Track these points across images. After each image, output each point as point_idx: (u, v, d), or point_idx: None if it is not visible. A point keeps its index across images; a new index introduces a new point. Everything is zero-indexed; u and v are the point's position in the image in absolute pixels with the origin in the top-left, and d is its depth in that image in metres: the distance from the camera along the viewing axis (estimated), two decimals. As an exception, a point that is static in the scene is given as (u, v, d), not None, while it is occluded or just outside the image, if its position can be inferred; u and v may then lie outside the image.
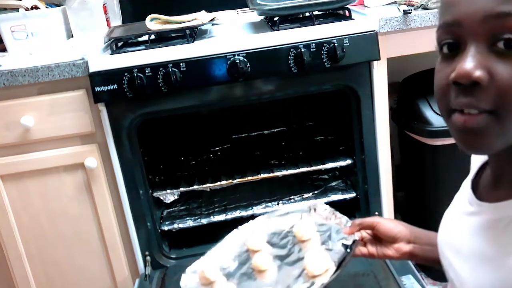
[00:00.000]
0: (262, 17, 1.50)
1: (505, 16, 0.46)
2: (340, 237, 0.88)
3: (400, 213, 1.80)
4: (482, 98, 0.49)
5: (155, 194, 1.46)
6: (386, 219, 0.89)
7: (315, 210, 1.01)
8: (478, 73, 0.48)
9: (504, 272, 0.52)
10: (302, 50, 1.21)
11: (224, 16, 1.56)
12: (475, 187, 0.63)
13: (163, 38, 1.34)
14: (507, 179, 0.57)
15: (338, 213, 0.96)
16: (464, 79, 0.49)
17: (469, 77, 0.48)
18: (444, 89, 0.52)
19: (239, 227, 1.04)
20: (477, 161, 0.67)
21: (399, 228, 0.84)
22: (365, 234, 0.88)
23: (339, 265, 0.82)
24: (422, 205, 1.69)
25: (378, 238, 0.86)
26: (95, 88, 1.21)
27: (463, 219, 0.62)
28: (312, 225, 0.96)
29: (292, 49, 1.22)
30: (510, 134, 0.50)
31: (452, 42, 0.52)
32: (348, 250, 0.84)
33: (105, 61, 1.22)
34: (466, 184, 0.65)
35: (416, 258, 0.84)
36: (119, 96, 1.21)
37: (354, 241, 0.85)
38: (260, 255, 0.93)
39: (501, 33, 0.47)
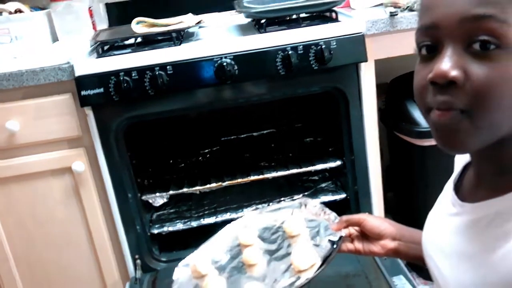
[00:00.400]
0: (249, 20, 1.50)
1: (480, 18, 0.48)
2: (327, 233, 0.91)
3: (390, 214, 1.81)
4: (458, 97, 0.50)
5: (144, 198, 1.45)
6: (373, 216, 0.91)
7: (305, 206, 1.03)
8: (454, 73, 0.49)
9: (484, 269, 0.54)
10: (290, 52, 1.21)
11: (211, 19, 1.56)
12: (458, 188, 0.65)
13: (149, 41, 1.33)
14: (487, 179, 0.58)
15: (327, 210, 0.98)
16: (441, 79, 0.50)
17: (446, 77, 0.50)
18: (423, 89, 0.54)
19: (232, 222, 1.06)
20: (460, 162, 0.68)
21: (385, 225, 0.86)
22: (352, 230, 0.90)
23: (324, 261, 0.85)
24: (412, 205, 1.69)
25: (365, 235, 0.88)
26: (81, 92, 1.20)
27: (446, 220, 0.63)
28: (301, 221, 0.98)
29: (279, 52, 1.22)
30: (484, 133, 0.51)
31: (430, 44, 0.53)
32: (334, 246, 0.86)
33: (91, 65, 1.21)
34: (449, 185, 0.67)
35: (400, 255, 0.86)
36: (106, 99, 1.20)
37: (340, 238, 0.87)
38: (250, 250, 0.95)
39: (477, 34, 0.48)
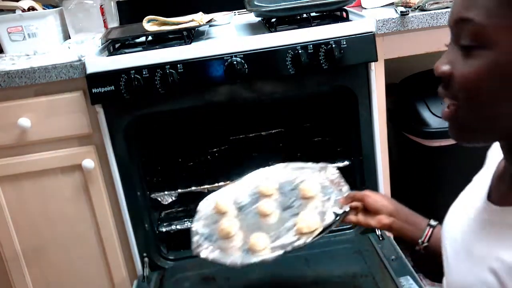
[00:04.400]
0: (259, 19, 1.50)
1: (463, 21, 0.53)
2: (335, 205, 1.00)
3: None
4: (448, 89, 0.56)
5: (152, 196, 1.46)
6: (375, 193, 1.00)
7: (325, 171, 1.12)
8: (443, 67, 0.56)
9: (483, 274, 0.55)
10: (300, 51, 1.21)
11: (222, 18, 1.56)
12: (491, 187, 0.64)
13: (160, 40, 1.34)
14: None
15: (343, 181, 1.07)
16: (435, 72, 0.57)
17: (437, 71, 0.57)
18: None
19: (260, 169, 1.16)
20: (494, 158, 0.68)
21: (384, 202, 0.95)
22: (358, 204, 0.99)
23: (324, 229, 0.95)
24: (420, 206, 1.68)
25: (366, 209, 0.97)
26: (92, 89, 1.20)
27: (468, 214, 0.65)
28: (317, 186, 1.07)
29: (289, 51, 1.22)
30: (479, 125, 0.55)
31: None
32: (337, 218, 0.97)
33: (102, 63, 1.22)
34: (481, 180, 0.67)
35: (393, 231, 0.94)
36: (116, 97, 1.21)
37: (344, 212, 0.97)
38: (267, 201, 1.06)
39: (462, 35, 0.54)
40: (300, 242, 0.94)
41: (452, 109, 0.56)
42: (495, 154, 0.68)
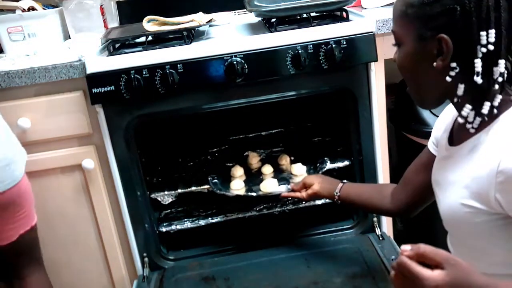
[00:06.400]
0: (259, 19, 1.50)
1: (393, 31, 0.86)
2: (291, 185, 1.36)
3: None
4: None
5: (152, 196, 1.46)
6: (314, 176, 1.30)
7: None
8: (394, 57, 0.89)
9: (463, 187, 0.79)
10: (300, 51, 1.21)
11: (222, 18, 1.56)
12: (451, 137, 0.91)
13: (160, 40, 1.34)
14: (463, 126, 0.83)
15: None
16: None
17: (394, 60, 0.89)
18: None
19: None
20: (439, 120, 0.98)
21: (317, 178, 1.28)
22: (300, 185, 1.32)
23: (270, 193, 1.38)
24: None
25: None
26: (92, 89, 1.20)
27: (441, 161, 0.91)
28: (304, 170, 1.49)
29: (289, 51, 1.22)
30: (421, 96, 0.87)
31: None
32: (283, 190, 1.37)
33: (102, 63, 1.22)
34: (442, 135, 0.94)
35: (320, 193, 1.25)
36: (116, 97, 1.21)
37: (288, 189, 1.36)
38: (270, 167, 1.53)
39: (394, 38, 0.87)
40: (253, 194, 1.39)
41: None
42: (440, 119, 0.99)
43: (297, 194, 1.29)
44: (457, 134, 0.88)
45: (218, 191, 1.42)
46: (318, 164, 1.50)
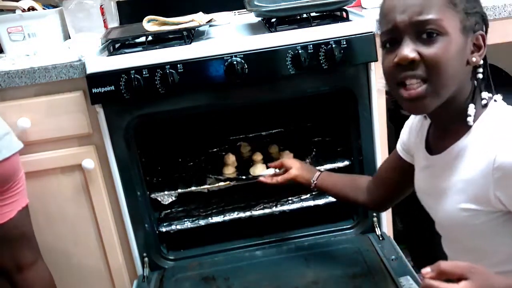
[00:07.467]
0: (259, 19, 1.50)
1: (422, 21, 0.76)
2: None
3: (399, 215, 1.80)
4: (418, 69, 0.77)
5: (152, 196, 1.46)
6: (295, 161, 1.31)
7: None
8: (411, 55, 0.76)
9: (455, 192, 0.81)
10: (300, 51, 1.21)
11: (222, 18, 1.56)
12: (428, 146, 0.91)
13: (160, 40, 1.34)
14: (443, 132, 0.86)
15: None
16: (404, 61, 0.77)
17: (407, 58, 0.76)
18: (391, 70, 0.80)
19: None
20: (406, 127, 1.03)
21: (296, 163, 1.29)
22: (278, 164, 1.34)
23: (254, 176, 1.44)
24: (420, 205, 1.68)
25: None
26: (92, 89, 1.20)
27: (423, 171, 0.93)
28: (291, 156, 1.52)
29: (289, 51, 1.22)
30: (440, 95, 0.78)
31: (392, 40, 0.80)
32: (265, 174, 1.39)
33: (102, 63, 1.22)
34: (417, 145, 0.95)
35: (299, 178, 1.25)
36: (116, 97, 1.21)
37: (274, 173, 1.37)
38: (258, 155, 1.57)
39: (424, 30, 0.76)
40: (243, 177, 1.47)
41: (423, 86, 0.77)
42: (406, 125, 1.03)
43: (273, 180, 1.29)
44: (435, 143, 0.90)
45: (210, 175, 1.49)
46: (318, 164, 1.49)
